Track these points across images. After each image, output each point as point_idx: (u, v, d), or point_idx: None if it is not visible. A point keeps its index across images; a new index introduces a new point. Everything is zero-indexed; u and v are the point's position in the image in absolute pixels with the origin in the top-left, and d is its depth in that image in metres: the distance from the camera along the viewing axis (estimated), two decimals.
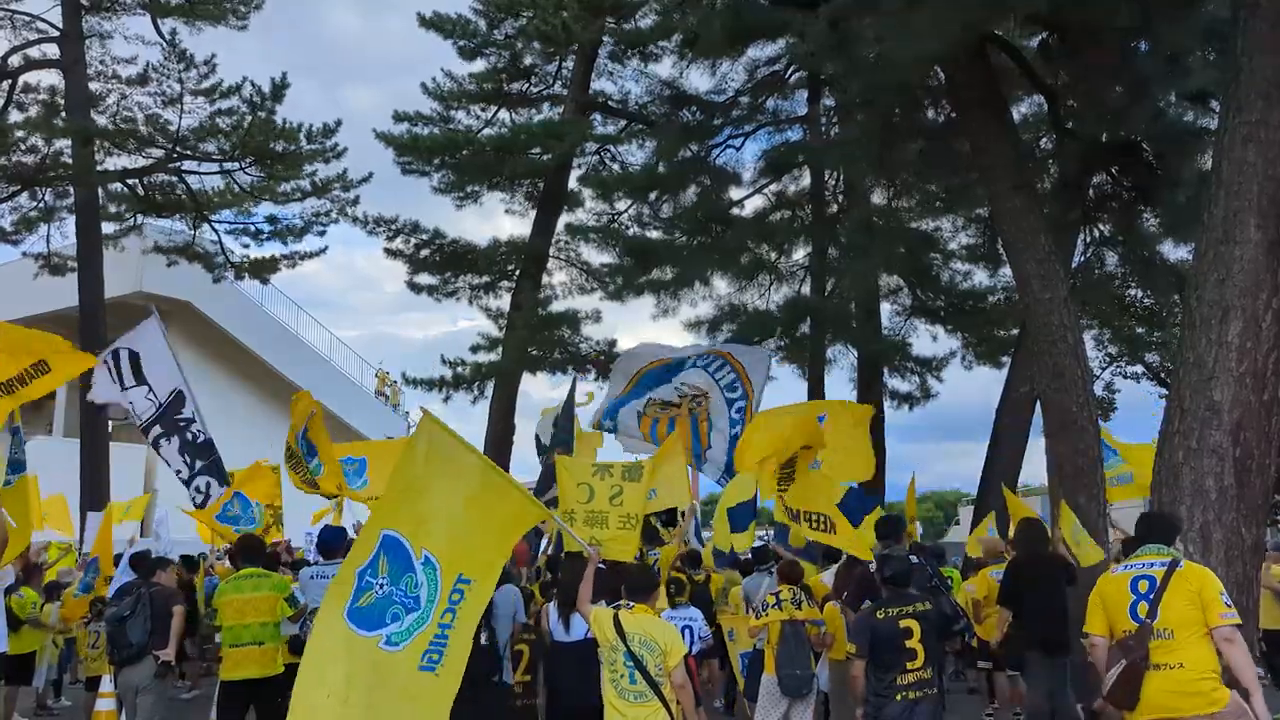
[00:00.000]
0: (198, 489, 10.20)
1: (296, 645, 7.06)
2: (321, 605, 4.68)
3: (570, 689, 6.17)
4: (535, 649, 6.98)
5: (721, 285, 16.23)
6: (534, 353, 18.42)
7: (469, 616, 4.69)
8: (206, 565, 13.38)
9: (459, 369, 19.01)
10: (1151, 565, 4.81)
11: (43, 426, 27.45)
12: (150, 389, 10.23)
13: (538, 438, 13.38)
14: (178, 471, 10.27)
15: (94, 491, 17.89)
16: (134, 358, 10.31)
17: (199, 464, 10.17)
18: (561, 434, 11.34)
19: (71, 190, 20.22)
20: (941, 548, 12.84)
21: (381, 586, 4.58)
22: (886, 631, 5.40)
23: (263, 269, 22.36)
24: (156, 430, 10.22)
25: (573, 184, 20.17)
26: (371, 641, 4.52)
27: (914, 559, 6.78)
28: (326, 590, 4.75)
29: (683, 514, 11.42)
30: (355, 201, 21.10)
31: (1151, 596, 4.69)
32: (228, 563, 10.23)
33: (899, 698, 5.30)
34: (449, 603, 4.65)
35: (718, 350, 11.84)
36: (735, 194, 16.13)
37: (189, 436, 10.19)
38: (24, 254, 21.61)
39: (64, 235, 21.41)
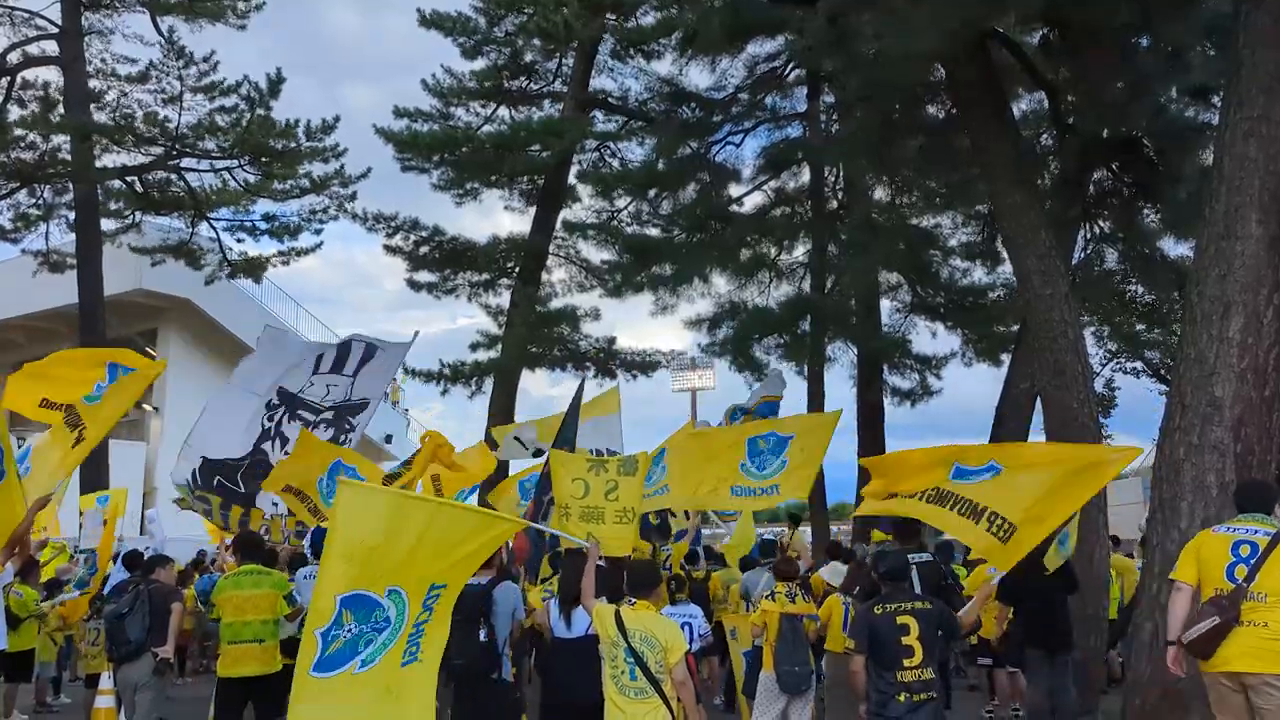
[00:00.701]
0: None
1: (291, 646, 7.03)
2: (295, 678, 4.66)
3: (571, 686, 6.15)
4: (518, 646, 6.99)
5: (721, 282, 16.25)
6: (533, 350, 18.41)
7: (444, 609, 4.79)
8: (208, 562, 13.38)
9: (459, 367, 19.03)
10: (1255, 532, 5.05)
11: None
12: (354, 381, 10.39)
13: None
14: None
15: (93, 488, 17.85)
16: (369, 353, 10.48)
17: None
18: (567, 432, 11.35)
19: (70, 187, 20.20)
20: (951, 543, 12.83)
21: (349, 631, 4.59)
22: (884, 627, 5.38)
23: (257, 267, 22.36)
24: (328, 415, 10.33)
25: (572, 181, 20.18)
26: (345, 674, 4.54)
27: (929, 557, 6.74)
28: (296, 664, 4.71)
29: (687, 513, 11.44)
30: (353, 197, 21.12)
31: (1253, 561, 4.94)
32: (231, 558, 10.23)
33: (901, 697, 5.26)
34: (423, 607, 4.69)
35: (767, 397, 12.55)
36: (735, 191, 16.15)
37: (342, 439, 10.40)
38: (23, 251, 21.60)
39: (63, 233, 21.42)
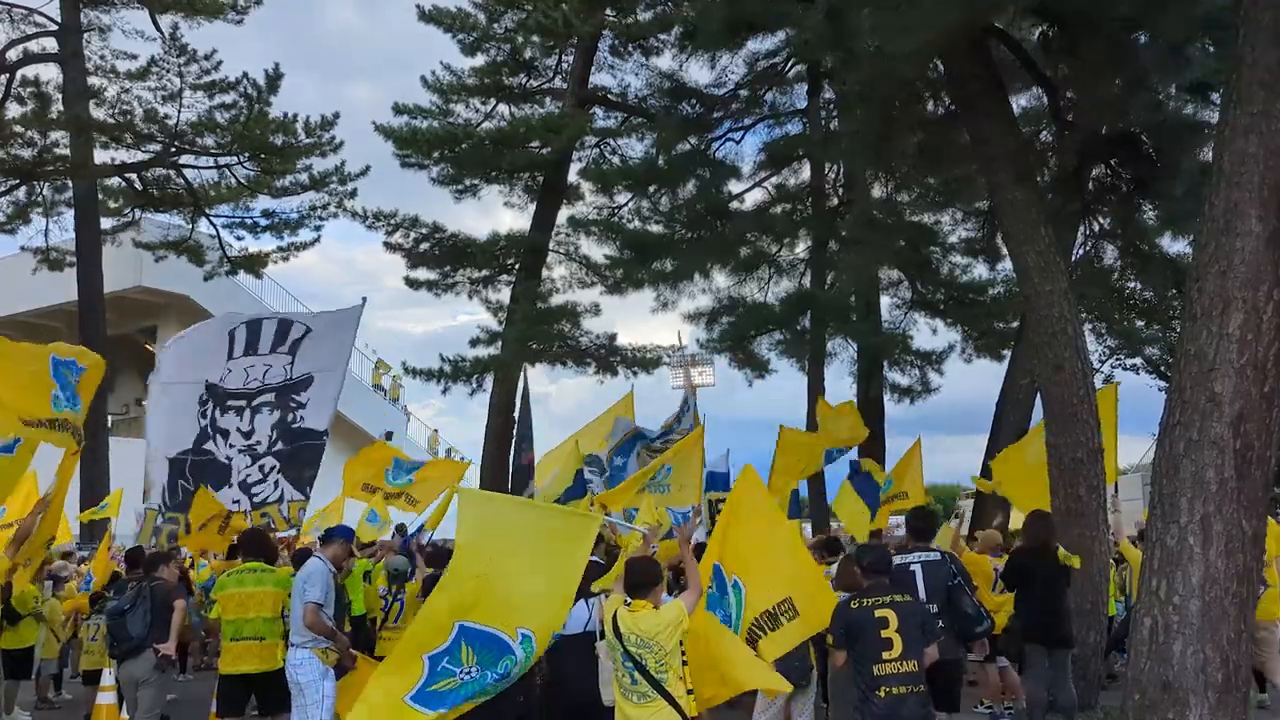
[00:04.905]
0: (261, 467, 9.80)
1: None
2: (373, 687, 4.66)
3: (571, 682, 6.16)
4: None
5: (721, 278, 16.25)
6: (533, 346, 18.41)
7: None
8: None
9: (459, 364, 19.03)
10: None
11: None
12: (293, 359, 9.90)
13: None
14: (255, 443, 9.80)
15: (93, 487, 17.88)
16: (306, 330, 9.95)
17: (280, 446, 9.78)
18: (523, 429, 11.31)
19: (70, 184, 20.20)
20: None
21: (469, 673, 4.57)
22: (862, 621, 5.41)
23: (256, 263, 22.37)
24: (268, 398, 9.82)
25: (573, 177, 20.17)
26: (444, 715, 4.57)
27: (937, 555, 6.75)
28: (379, 673, 4.71)
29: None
30: (352, 194, 21.11)
31: None
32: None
33: (881, 691, 5.26)
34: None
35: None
36: (735, 187, 16.15)
37: (291, 418, 9.76)
38: (22, 248, 21.61)
39: (63, 230, 21.43)
